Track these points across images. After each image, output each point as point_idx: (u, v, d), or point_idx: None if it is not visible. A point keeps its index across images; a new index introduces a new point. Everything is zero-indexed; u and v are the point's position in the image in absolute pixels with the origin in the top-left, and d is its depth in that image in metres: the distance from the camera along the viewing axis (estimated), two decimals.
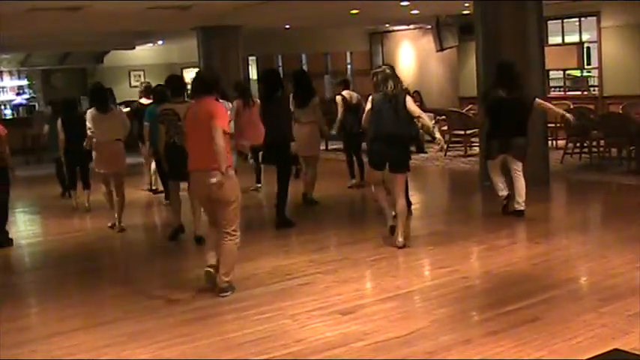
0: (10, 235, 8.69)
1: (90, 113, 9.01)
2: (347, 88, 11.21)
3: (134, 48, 20.65)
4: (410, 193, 8.78)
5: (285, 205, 8.57)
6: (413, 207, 8.78)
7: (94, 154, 9.06)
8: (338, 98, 10.98)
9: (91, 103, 9.22)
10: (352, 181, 11.11)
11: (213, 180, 5.72)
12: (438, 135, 7.65)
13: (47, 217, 10.60)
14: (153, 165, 10.86)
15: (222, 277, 6.00)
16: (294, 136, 8.75)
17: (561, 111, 9.03)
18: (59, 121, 10.22)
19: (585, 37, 16.03)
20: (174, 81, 8.39)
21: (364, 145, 8.50)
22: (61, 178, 11.69)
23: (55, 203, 11.34)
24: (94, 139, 8.94)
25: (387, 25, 20.23)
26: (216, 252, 6.14)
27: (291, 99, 9.97)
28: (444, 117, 15.58)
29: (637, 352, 4.39)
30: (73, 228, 9.43)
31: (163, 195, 10.47)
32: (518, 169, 8.45)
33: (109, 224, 9.13)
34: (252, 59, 20.74)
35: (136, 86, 15.70)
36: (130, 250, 8.46)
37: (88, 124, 8.96)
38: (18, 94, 21.12)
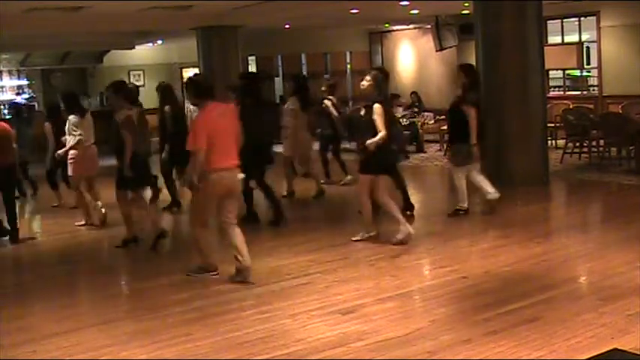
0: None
1: (75, 118, 9.25)
2: (333, 92, 11.56)
3: (134, 48, 20.66)
4: (408, 192, 8.80)
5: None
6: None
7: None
8: (327, 103, 11.24)
9: (71, 108, 9.35)
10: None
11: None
12: None
13: (45, 217, 10.58)
14: None
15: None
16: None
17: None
18: (46, 124, 10.26)
19: (585, 36, 16.04)
20: (126, 88, 8.37)
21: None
22: (23, 183, 11.64)
23: (52, 203, 11.29)
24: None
25: (387, 25, 20.23)
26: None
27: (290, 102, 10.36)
28: (443, 117, 15.57)
29: (637, 352, 4.39)
30: (71, 228, 9.42)
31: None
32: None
33: (81, 223, 9.39)
34: (251, 59, 20.74)
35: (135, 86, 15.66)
36: (128, 251, 8.44)
37: (76, 129, 9.20)
38: (18, 94, 21.12)
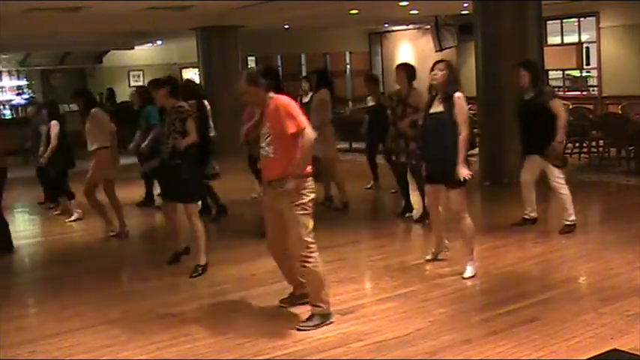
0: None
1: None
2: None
3: (133, 48, 20.68)
4: (410, 194, 8.80)
5: None
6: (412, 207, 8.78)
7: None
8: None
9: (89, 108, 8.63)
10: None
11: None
12: None
13: (45, 217, 10.57)
14: None
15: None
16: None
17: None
18: (54, 125, 9.58)
19: (584, 37, 16.07)
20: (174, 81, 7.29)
21: None
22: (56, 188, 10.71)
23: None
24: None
25: (387, 26, 20.25)
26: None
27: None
28: None
29: (636, 352, 4.39)
30: (71, 229, 9.42)
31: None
32: None
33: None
34: (251, 59, 20.77)
35: (135, 86, 15.71)
36: (128, 251, 8.45)
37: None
38: (17, 94, 21.15)
